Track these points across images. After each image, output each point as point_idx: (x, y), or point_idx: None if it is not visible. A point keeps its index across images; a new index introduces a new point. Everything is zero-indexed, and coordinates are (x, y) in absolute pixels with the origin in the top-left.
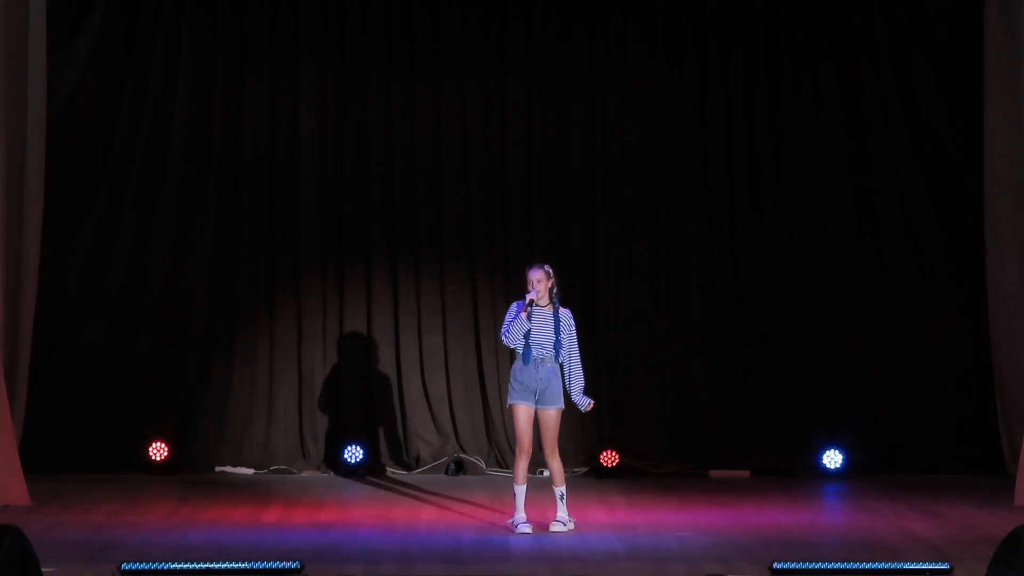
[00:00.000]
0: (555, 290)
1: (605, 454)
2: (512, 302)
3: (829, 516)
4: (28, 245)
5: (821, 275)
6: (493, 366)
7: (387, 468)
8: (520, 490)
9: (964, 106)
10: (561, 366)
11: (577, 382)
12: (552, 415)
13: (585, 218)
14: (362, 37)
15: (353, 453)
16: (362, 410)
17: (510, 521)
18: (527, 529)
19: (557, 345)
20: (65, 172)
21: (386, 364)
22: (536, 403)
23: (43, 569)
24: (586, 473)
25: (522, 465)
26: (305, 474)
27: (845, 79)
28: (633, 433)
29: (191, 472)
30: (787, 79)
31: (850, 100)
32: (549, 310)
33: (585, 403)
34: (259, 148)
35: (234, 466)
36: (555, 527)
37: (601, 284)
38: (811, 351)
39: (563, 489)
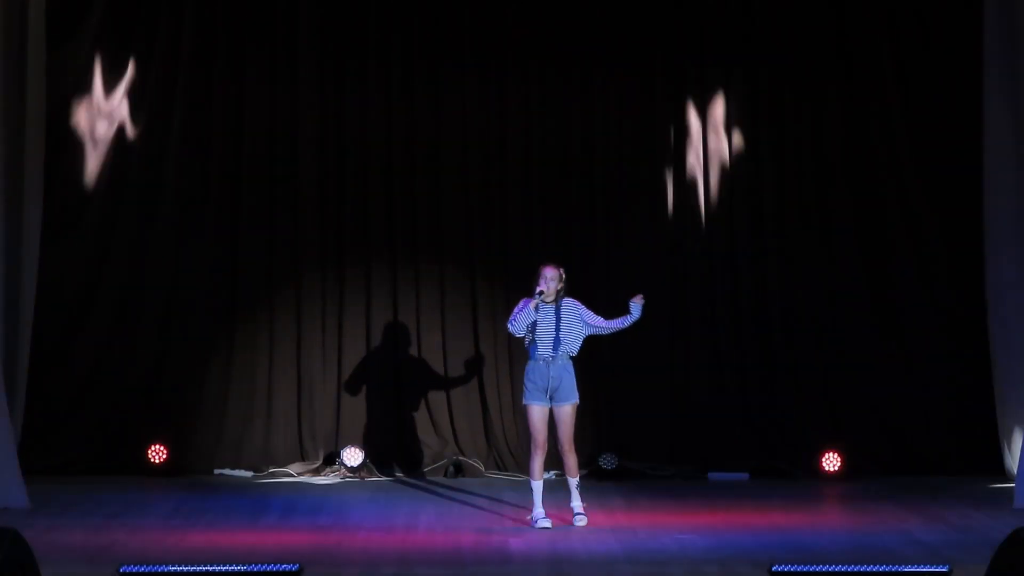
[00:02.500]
0: (562, 290)
1: (604, 456)
2: (512, 302)
3: (828, 518)
4: (27, 247)
5: (820, 276)
6: (492, 368)
7: (386, 471)
8: (537, 486)
9: (964, 105)
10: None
11: (608, 326)
12: (567, 411)
13: (584, 220)
14: (362, 37)
15: (352, 455)
16: (361, 412)
17: (529, 517)
18: (547, 523)
19: (556, 341)
20: (65, 172)
21: (385, 366)
22: (551, 400)
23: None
24: (585, 476)
25: (538, 461)
26: (304, 477)
27: (844, 80)
28: (632, 435)
29: (190, 474)
30: (786, 80)
31: (849, 101)
32: (553, 305)
33: (638, 305)
34: (258, 148)
35: (233, 468)
36: (579, 520)
37: (600, 286)
38: (810, 353)
39: (578, 480)
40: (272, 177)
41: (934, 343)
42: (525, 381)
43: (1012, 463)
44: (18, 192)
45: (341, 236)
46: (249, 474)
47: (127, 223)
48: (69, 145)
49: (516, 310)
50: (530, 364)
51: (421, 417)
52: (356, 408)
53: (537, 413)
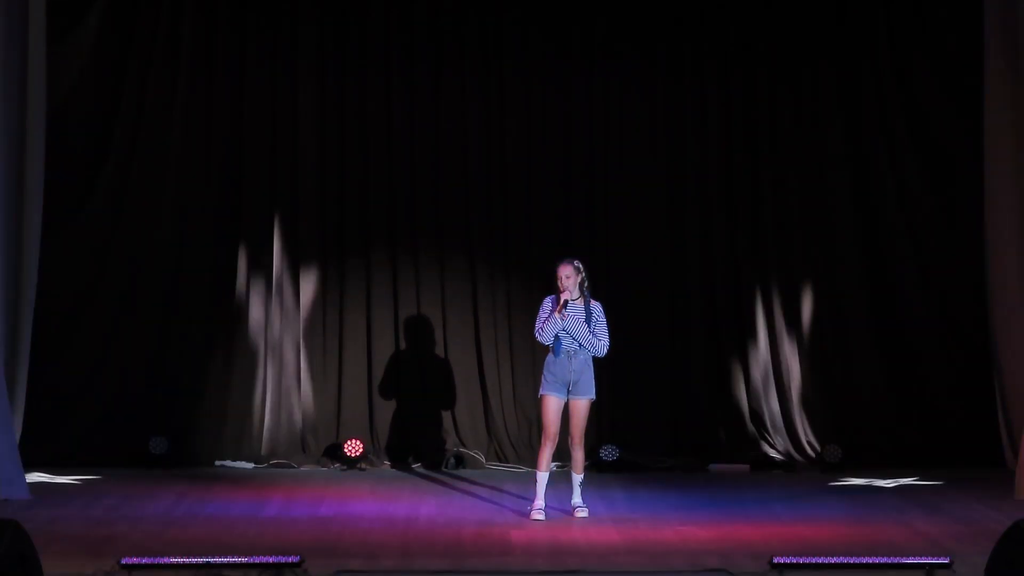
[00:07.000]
0: (586, 283)
1: (605, 448)
2: (513, 294)
3: (829, 510)
4: (28, 242)
5: (821, 272)
6: (493, 360)
7: (387, 462)
8: (542, 477)
9: (964, 106)
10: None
11: (595, 340)
12: (583, 404)
13: (585, 212)
14: (362, 33)
15: (353, 447)
16: (362, 404)
17: (529, 508)
18: (540, 516)
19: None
20: (64, 170)
21: (385, 358)
22: (568, 394)
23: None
24: (586, 467)
25: (546, 453)
26: (305, 468)
27: (845, 80)
28: (633, 427)
29: (191, 466)
30: (786, 80)
31: (850, 101)
32: (580, 303)
33: (573, 313)
34: (259, 145)
35: (234, 460)
36: (580, 512)
37: (601, 279)
38: (812, 345)
39: (582, 477)
40: (272, 173)
41: (934, 335)
42: (545, 373)
43: (1012, 455)
44: (19, 189)
45: (341, 230)
46: (250, 466)
47: (127, 219)
48: (69, 142)
49: (541, 315)
50: (551, 357)
51: (422, 409)
52: (357, 400)
53: (553, 404)
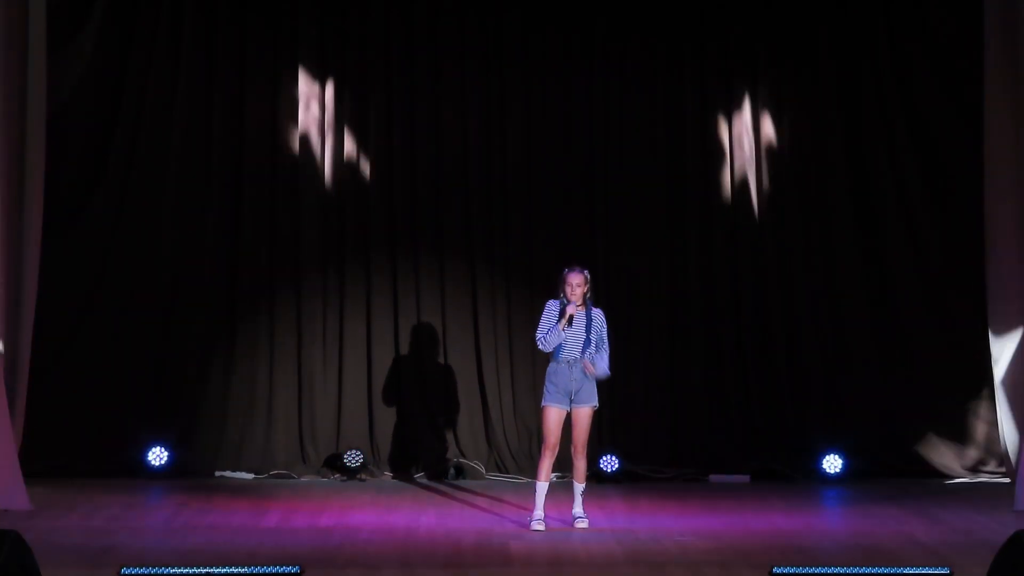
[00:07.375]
0: (589, 294)
1: (605, 459)
2: (513, 302)
3: (829, 520)
4: (28, 249)
5: (821, 278)
6: (493, 370)
7: (387, 473)
8: (542, 487)
9: (964, 106)
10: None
11: (602, 361)
12: (586, 413)
13: (586, 212)
14: (362, 33)
15: (353, 457)
16: (362, 414)
17: (529, 517)
18: (540, 527)
19: (586, 344)
20: (65, 173)
21: (385, 367)
22: (571, 402)
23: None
24: (586, 477)
25: (547, 463)
26: (305, 479)
27: (845, 80)
28: (633, 438)
29: (191, 477)
30: (787, 80)
31: (850, 101)
32: (582, 310)
33: (599, 369)
34: (259, 148)
35: (234, 471)
36: (581, 523)
37: (600, 289)
38: (811, 355)
39: (584, 486)
40: (273, 177)
41: (935, 345)
42: (547, 383)
43: (1012, 466)
44: (18, 194)
45: (341, 238)
46: (250, 476)
47: (126, 224)
48: (69, 145)
49: (543, 322)
50: (552, 366)
51: (422, 419)
52: (357, 409)
53: (554, 415)
